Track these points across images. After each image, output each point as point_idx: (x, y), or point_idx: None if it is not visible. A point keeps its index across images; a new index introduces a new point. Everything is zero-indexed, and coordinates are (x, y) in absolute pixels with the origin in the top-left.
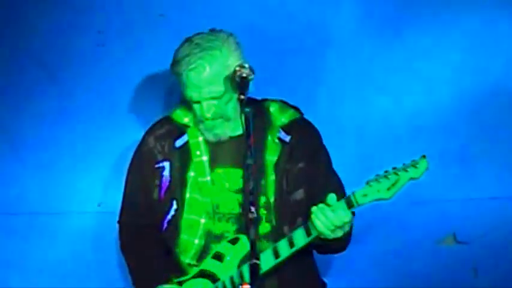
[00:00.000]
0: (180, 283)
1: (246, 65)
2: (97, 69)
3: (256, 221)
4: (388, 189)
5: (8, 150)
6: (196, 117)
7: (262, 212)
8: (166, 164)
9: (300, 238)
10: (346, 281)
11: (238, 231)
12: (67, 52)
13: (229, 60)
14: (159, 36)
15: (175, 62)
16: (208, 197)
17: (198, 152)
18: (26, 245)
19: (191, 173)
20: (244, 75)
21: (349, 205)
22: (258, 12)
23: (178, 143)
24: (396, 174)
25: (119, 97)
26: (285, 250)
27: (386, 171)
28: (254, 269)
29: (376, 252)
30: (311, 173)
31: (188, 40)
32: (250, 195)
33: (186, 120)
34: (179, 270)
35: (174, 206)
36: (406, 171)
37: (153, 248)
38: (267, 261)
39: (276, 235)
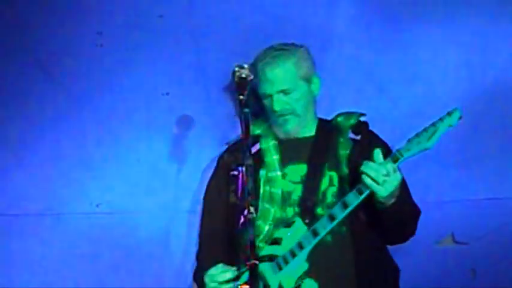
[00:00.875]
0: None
1: (245, 66)
2: (96, 70)
3: (254, 221)
4: (429, 139)
5: (6, 151)
6: (269, 114)
7: (332, 199)
8: (243, 168)
9: (352, 198)
10: None
11: (297, 214)
12: (66, 53)
13: (302, 63)
14: (158, 38)
15: (256, 61)
16: (278, 188)
17: (269, 153)
18: (24, 246)
19: (263, 171)
20: (243, 75)
21: (394, 159)
22: (258, 13)
23: (253, 149)
24: (434, 125)
25: (118, 98)
26: (339, 212)
27: (424, 127)
28: (253, 269)
29: None
30: None
31: (269, 46)
32: (248, 195)
33: (258, 131)
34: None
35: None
36: (442, 120)
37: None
38: (323, 226)
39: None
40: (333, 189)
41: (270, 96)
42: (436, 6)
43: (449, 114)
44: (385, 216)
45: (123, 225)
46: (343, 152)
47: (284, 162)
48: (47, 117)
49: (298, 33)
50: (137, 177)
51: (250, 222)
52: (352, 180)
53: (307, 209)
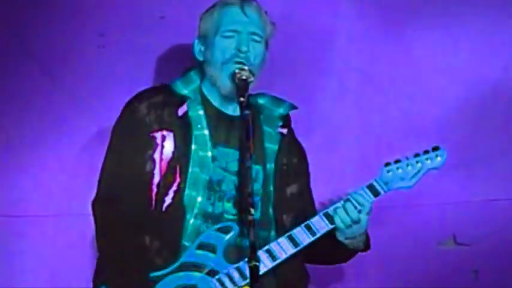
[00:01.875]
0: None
1: (246, 67)
2: (98, 71)
3: (255, 224)
4: (412, 177)
5: (7, 152)
6: (225, 56)
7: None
8: (168, 134)
9: (320, 224)
10: (346, 283)
11: (238, 215)
12: (68, 54)
13: (269, 24)
14: (160, 39)
15: (226, 1)
16: (208, 173)
17: (199, 125)
18: (25, 247)
19: (193, 146)
20: (244, 77)
21: (375, 194)
22: None
23: (180, 111)
24: (418, 163)
25: (120, 99)
26: (303, 238)
27: (407, 160)
28: (254, 271)
29: (376, 254)
30: (301, 171)
31: None
32: (248, 197)
33: (185, 91)
34: (172, 253)
35: (177, 181)
36: (428, 160)
37: (136, 229)
38: (282, 250)
39: (267, 223)
40: (257, 186)
41: (238, 33)
42: (436, 7)
43: (436, 155)
44: (336, 249)
45: None
46: (271, 146)
47: (215, 141)
48: (48, 118)
49: (298, 33)
50: None
51: (251, 224)
52: (279, 179)
53: (242, 211)
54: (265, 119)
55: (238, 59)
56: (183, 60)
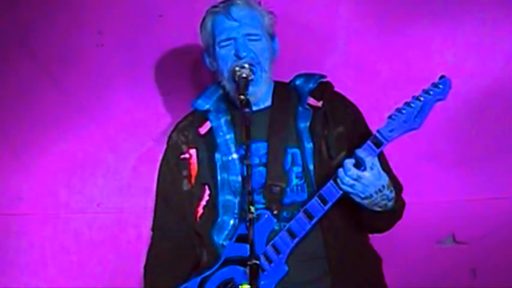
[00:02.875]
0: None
1: (246, 65)
2: (96, 70)
3: (254, 222)
4: (416, 116)
5: (6, 151)
6: (225, 72)
7: (296, 182)
8: (193, 152)
9: (330, 192)
10: None
11: (265, 204)
12: (67, 53)
13: (266, 15)
14: (158, 37)
15: (208, 12)
16: (236, 175)
17: (221, 133)
18: (24, 246)
19: (217, 155)
20: (244, 75)
21: (377, 144)
22: None
23: (203, 130)
24: (418, 99)
25: (119, 97)
26: (317, 209)
27: (406, 102)
28: (254, 270)
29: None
30: (352, 138)
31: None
32: (249, 195)
33: (207, 106)
34: (212, 254)
35: (207, 191)
36: (428, 93)
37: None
38: (301, 226)
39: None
40: (298, 169)
41: (233, 39)
42: (434, 5)
43: (436, 85)
44: (371, 216)
45: (124, 224)
46: (303, 124)
47: (239, 141)
48: (47, 117)
49: (298, 33)
50: (137, 177)
51: (251, 222)
52: (319, 155)
53: (273, 197)
54: (299, 98)
55: (240, 64)
56: (181, 59)
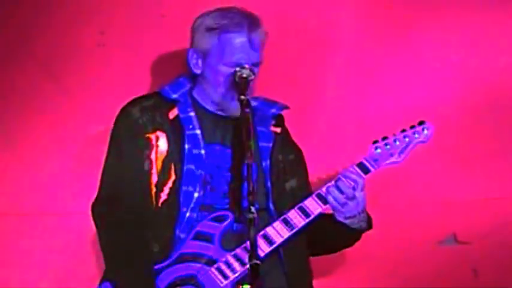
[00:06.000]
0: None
1: (246, 66)
2: (98, 69)
3: (254, 222)
4: (400, 152)
5: (7, 150)
6: (218, 82)
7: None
8: (162, 135)
9: (314, 206)
10: (346, 282)
11: (229, 205)
12: (68, 52)
13: (264, 36)
14: (160, 37)
15: (227, 24)
16: (202, 169)
17: (190, 126)
18: (24, 246)
19: (186, 145)
20: (244, 75)
21: (365, 171)
22: (258, 13)
23: (171, 115)
24: (405, 138)
25: (120, 97)
26: (298, 219)
27: (394, 137)
28: (254, 269)
29: (376, 252)
30: (299, 166)
31: (229, 8)
32: (249, 195)
33: (175, 95)
34: (167, 245)
35: (172, 178)
36: (415, 136)
37: (137, 226)
38: (278, 233)
39: (266, 217)
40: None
41: (243, 67)
42: (436, 8)
43: (423, 129)
44: (339, 233)
45: None
46: (265, 144)
47: (206, 140)
48: (48, 116)
49: (298, 32)
50: None
51: (251, 223)
52: (276, 174)
53: (236, 202)
54: (258, 119)
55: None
56: (183, 59)
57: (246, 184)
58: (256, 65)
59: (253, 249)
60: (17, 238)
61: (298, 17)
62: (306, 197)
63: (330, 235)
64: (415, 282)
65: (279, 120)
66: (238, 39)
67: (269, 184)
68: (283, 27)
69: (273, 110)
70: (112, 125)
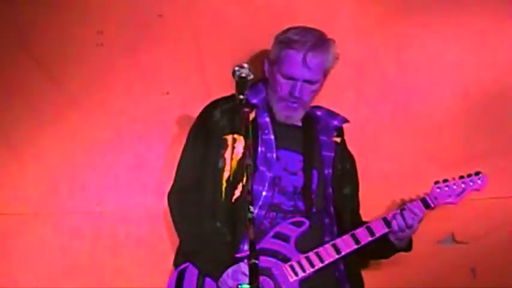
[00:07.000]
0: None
1: (245, 65)
2: (96, 70)
3: (254, 221)
4: (458, 195)
5: (6, 150)
6: (277, 91)
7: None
8: (239, 138)
9: (380, 228)
10: None
11: (294, 207)
12: (66, 52)
13: (332, 57)
14: (158, 37)
15: (287, 35)
16: (272, 172)
17: (266, 131)
18: (24, 246)
19: (260, 148)
20: (243, 75)
21: (426, 206)
22: (258, 13)
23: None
24: (464, 183)
25: (118, 97)
26: (364, 236)
27: (453, 181)
28: (254, 269)
29: None
30: (353, 175)
31: (304, 27)
32: (248, 194)
33: (254, 100)
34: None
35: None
36: (471, 183)
37: (208, 216)
38: (346, 245)
39: (327, 219)
40: (312, 187)
41: (294, 79)
42: (436, 7)
43: (478, 179)
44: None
45: (124, 224)
46: (328, 153)
47: (278, 144)
48: (47, 116)
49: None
50: (137, 177)
51: (250, 222)
52: (336, 183)
53: (306, 206)
54: (321, 129)
55: (291, 100)
56: (181, 59)
57: (312, 189)
58: (309, 81)
59: (252, 248)
60: (17, 238)
61: (299, 16)
62: (355, 216)
63: (378, 248)
64: (414, 282)
65: (340, 131)
66: (295, 56)
67: (330, 190)
68: (283, 27)
69: (336, 122)
70: (193, 123)
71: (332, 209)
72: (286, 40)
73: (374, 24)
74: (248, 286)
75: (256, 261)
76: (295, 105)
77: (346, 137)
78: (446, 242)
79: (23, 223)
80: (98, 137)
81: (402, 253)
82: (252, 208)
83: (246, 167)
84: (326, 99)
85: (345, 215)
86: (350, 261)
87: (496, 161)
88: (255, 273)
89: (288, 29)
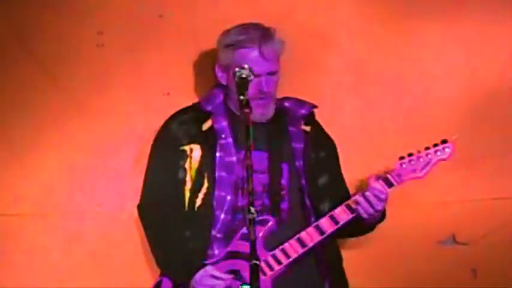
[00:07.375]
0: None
1: (246, 66)
2: (97, 70)
3: (255, 221)
4: (423, 168)
5: (7, 151)
6: (249, 95)
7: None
8: (196, 147)
9: (343, 215)
10: None
11: (262, 206)
12: (67, 53)
13: (280, 44)
14: (158, 37)
15: (233, 35)
16: (234, 175)
17: (223, 135)
18: (24, 246)
19: (218, 154)
20: (243, 75)
21: (389, 185)
22: (258, 13)
23: (205, 127)
24: (427, 155)
25: (119, 98)
26: (327, 226)
27: (418, 154)
28: (254, 269)
29: (375, 253)
30: (330, 162)
31: (245, 24)
32: (249, 195)
33: (209, 107)
34: (204, 243)
35: (206, 185)
36: (436, 153)
37: (175, 226)
38: (310, 238)
39: (304, 212)
40: (283, 182)
41: (257, 76)
42: (436, 6)
43: (444, 148)
44: (359, 226)
45: (124, 224)
46: (297, 144)
47: (238, 146)
48: (47, 117)
49: (298, 33)
50: (137, 177)
51: (250, 222)
52: (310, 174)
53: (274, 204)
54: (290, 120)
55: (261, 96)
56: (181, 59)
57: (281, 184)
58: (272, 73)
59: (253, 249)
60: (17, 238)
61: (299, 17)
62: (336, 206)
63: (352, 229)
64: (414, 283)
65: (309, 119)
66: (251, 53)
67: (303, 182)
68: (283, 27)
69: (303, 111)
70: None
71: (307, 201)
72: (233, 42)
73: (374, 25)
74: (248, 286)
75: (257, 262)
76: (265, 101)
77: (346, 137)
78: (447, 242)
79: (23, 224)
80: (97, 138)
81: (402, 253)
82: (252, 209)
83: (246, 167)
84: (326, 99)
85: (322, 205)
86: (329, 254)
87: (496, 161)
88: (255, 273)
89: (226, 33)
